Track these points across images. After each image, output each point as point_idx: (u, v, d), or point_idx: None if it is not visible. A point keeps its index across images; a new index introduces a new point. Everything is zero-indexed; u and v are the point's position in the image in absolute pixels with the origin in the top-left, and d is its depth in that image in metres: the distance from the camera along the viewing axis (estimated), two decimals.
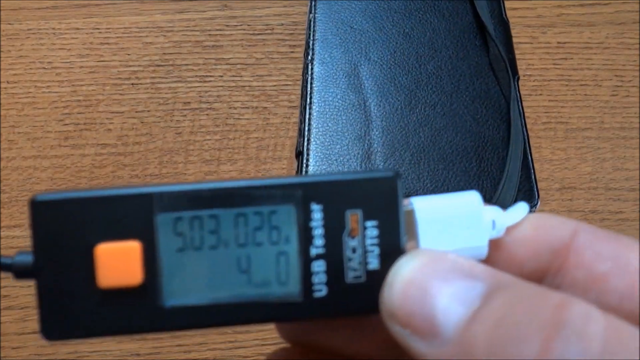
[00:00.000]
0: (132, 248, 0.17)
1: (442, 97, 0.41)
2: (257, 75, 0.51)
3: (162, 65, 0.51)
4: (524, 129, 0.41)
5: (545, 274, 0.18)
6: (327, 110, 0.41)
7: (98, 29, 0.52)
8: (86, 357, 0.44)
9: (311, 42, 0.42)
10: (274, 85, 0.51)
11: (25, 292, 0.45)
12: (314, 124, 0.41)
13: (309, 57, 0.42)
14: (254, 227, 0.17)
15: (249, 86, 0.51)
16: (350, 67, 0.42)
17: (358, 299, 0.17)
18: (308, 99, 0.41)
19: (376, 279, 0.17)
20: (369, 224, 0.17)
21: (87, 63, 0.51)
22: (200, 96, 0.50)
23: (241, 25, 0.52)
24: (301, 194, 0.17)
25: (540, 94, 0.51)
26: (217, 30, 0.52)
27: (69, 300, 0.17)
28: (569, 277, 0.17)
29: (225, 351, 0.45)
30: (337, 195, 0.17)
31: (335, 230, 0.17)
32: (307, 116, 0.40)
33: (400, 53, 0.42)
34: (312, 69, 0.42)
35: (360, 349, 0.19)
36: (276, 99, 0.50)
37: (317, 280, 0.17)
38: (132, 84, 0.51)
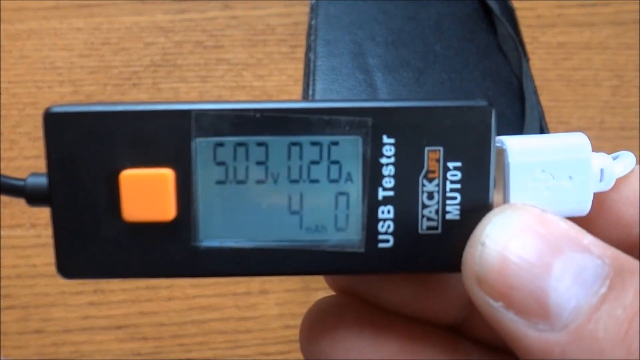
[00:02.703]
0: (163, 177, 0.14)
1: (452, 74, 0.41)
2: (258, 76, 0.51)
3: (163, 66, 0.51)
4: (539, 105, 0.41)
5: None
6: (332, 87, 0.41)
7: (99, 29, 0.52)
8: (87, 357, 0.44)
9: (314, 23, 0.42)
10: (275, 86, 0.51)
11: (26, 291, 0.45)
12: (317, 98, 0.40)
13: (312, 37, 0.42)
14: (310, 160, 0.14)
15: (250, 86, 0.51)
16: (355, 47, 0.42)
17: (431, 253, 0.14)
18: (312, 76, 0.41)
19: (455, 231, 0.14)
20: (452, 165, 0.14)
21: (88, 63, 0.51)
22: (201, 96, 0.50)
23: (242, 25, 0.52)
24: (371, 123, 0.14)
25: (541, 94, 0.51)
26: (218, 30, 0.52)
27: (89, 233, 0.14)
28: None
29: (226, 351, 0.45)
30: (415, 127, 0.14)
31: (409, 170, 0.14)
32: (310, 93, 0.40)
33: (406, 35, 0.42)
34: (315, 48, 0.41)
35: (425, 307, 0.16)
36: (277, 99, 0.50)
37: (383, 229, 0.14)
38: (134, 84, 0.51)
